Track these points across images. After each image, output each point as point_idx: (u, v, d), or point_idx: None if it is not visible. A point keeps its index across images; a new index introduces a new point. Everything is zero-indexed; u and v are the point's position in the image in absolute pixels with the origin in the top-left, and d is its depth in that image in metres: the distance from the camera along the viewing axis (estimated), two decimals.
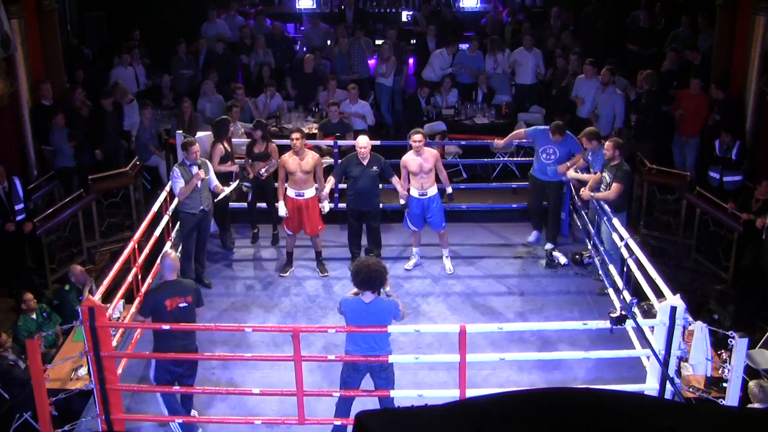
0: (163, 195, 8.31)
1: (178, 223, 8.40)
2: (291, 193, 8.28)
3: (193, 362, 6.19)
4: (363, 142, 8.24)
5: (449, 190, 8.40)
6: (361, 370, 5.91)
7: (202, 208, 7.99)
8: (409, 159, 8.29)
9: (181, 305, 6.05)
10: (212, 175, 8.15)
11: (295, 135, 8.21)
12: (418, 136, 8.17)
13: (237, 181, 8.81)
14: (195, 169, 7.84)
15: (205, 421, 6.26)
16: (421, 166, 8.22)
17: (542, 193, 8.96)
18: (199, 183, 7.86)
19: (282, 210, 8.32)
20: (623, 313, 5.34)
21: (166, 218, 8.21)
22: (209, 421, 6.25)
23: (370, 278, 5.69)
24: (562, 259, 8.71)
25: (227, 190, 8.38)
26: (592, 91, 10.65)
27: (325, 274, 8.56)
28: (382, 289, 5.83)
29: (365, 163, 8.22)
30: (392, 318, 5.85)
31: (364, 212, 8.46)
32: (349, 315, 5.86)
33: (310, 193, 8.30)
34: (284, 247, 8.84)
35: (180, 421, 6.11)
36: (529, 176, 9.17)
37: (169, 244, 8.34)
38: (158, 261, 6.70)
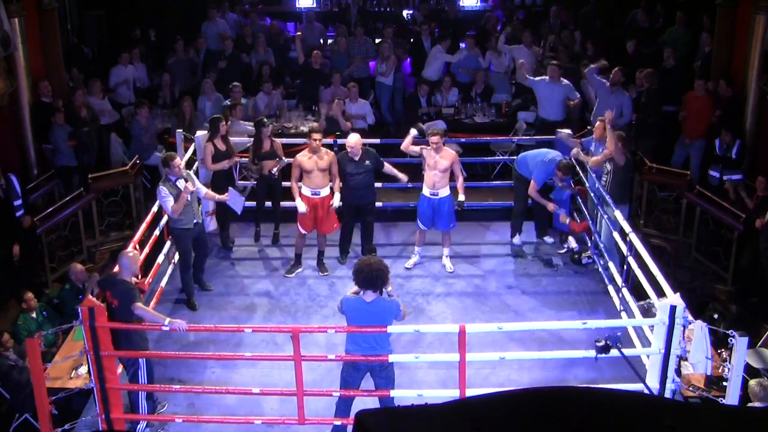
0: None
1: (171, 239, 8.18)
2: (306, 192, 8.25)
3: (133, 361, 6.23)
4: (351, 140, 8.29)
5: (462, 197, 8.34)
6: (361, 369, 5.91)
7: (195, 221, 7.79)
8: (427, 153, 8.30)
9: (112, 304, 6.04)
10: (199, 185, 7.97)
11: (316, 135, 8.23)
12: (435, 138, 8.19)
13: (228, 193, 8.72)
14: (182, 183, 7.56)
15: (205, 421, 6.26)
16: (437, 162, 8.23)
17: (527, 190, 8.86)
18: (188, 196, 7.61)
19: (302, 207, 8.24)
20: (608, 343, 5.41)
21: (166, 217, 8.20)
22: (209, 420, 6.25)
23: (371, 277, 5.68)
24: (573, 243, 8.76)
25: (224, 196, 8.19)
26: (557, 95, 10.38)
27: (326, 273, 8.57)
28: (384, 289, 5.83)
29: (357, 159, 8.26)
30: (393, 318, 5.84)
31: (360, 207, 8.49)
32: (350, 314, 5.85)
33: (325, 191, 8.30)
34: (286, 246, 8.83)
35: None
36: (513, 172, 9.08)
37: (168, 244, 8.33)
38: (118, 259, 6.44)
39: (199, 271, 8.23)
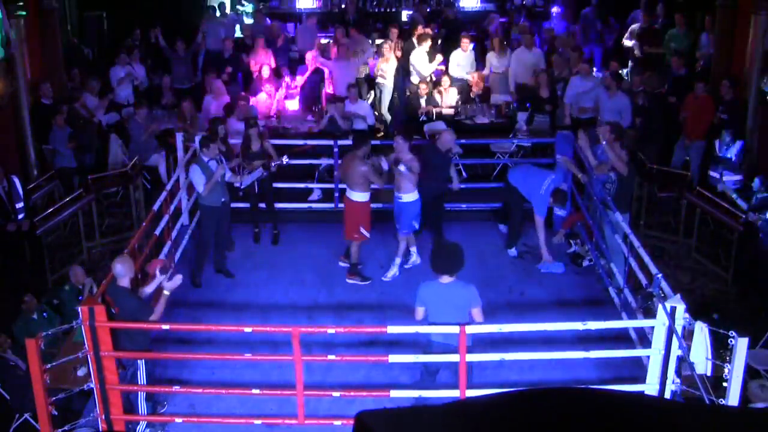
0: (164, 194, 8.31)
1: (198, 215, 8.69)
2: (365, 197, 8.26)
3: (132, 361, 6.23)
4: (446, 132, 8.72)
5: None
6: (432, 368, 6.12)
7: (223, 200, 8.25)
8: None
9: (113, 310, 6.01)
10: (227, 167, 8.37)
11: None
12: (398, 138, 8.27)
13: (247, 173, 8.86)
14: (214, 164, 8.06)
15: (205, 421, 6.26)
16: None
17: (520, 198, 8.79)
18: (218, 178, 8.08)
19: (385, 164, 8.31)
20: (650, 290, 5.43)
21: (166, 218, 8.21)
22: (209, 421, 6.25)
23: (447, 260, 5.88)
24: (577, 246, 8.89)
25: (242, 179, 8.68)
26: (588, 90, 10.52)
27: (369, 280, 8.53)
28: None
29: (444, 150, 8.61)
30: (470, 305, 5.97)
31: (440, 197, 8.83)
32: (429, 299, 5.97)
33: None
34: (286, 246, 8.84)
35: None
36: (505, 183, 8.95)
37: (168, 244, 8.33)
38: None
39: (220, 255, 8.52)
